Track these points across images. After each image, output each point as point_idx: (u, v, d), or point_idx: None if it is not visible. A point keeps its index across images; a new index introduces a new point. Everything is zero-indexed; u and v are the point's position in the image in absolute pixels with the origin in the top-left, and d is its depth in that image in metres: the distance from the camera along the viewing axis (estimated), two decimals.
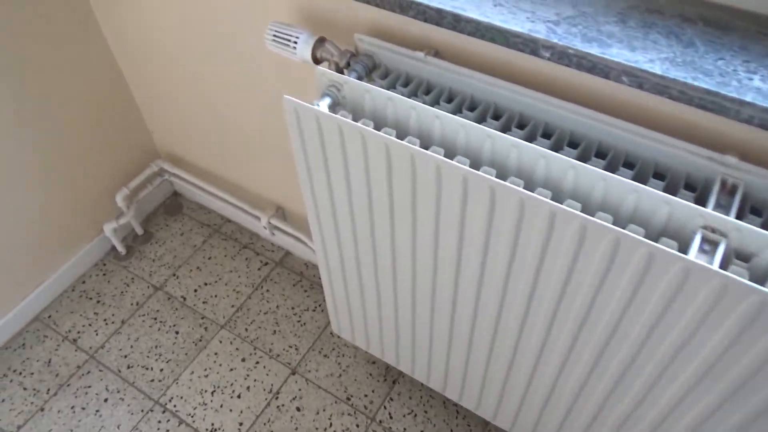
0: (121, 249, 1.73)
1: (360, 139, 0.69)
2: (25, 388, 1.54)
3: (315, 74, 0.79)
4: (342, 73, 0.82)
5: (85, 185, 1.57)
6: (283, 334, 1.60)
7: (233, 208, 1.73)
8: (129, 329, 1.63)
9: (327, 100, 0.79)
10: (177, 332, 1.64)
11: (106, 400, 1.50)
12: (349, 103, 0.78)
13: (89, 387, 1.53)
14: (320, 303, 1.64)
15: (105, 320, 1.65)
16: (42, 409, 1.49)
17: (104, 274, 1.71)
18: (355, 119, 0.78)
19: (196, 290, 1.69)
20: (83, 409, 1.50)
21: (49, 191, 1.47)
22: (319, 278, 1.66)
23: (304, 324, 1.62)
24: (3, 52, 1.20)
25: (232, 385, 1.52)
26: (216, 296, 1.69)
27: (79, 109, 1.43)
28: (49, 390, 1.52)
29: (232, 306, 1.68)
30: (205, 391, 1.51)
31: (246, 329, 1.62)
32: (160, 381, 1.54)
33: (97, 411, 1.48)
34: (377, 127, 0.75)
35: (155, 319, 1.65)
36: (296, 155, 0.81)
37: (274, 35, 0.88)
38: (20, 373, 1.55)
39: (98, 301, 1.67)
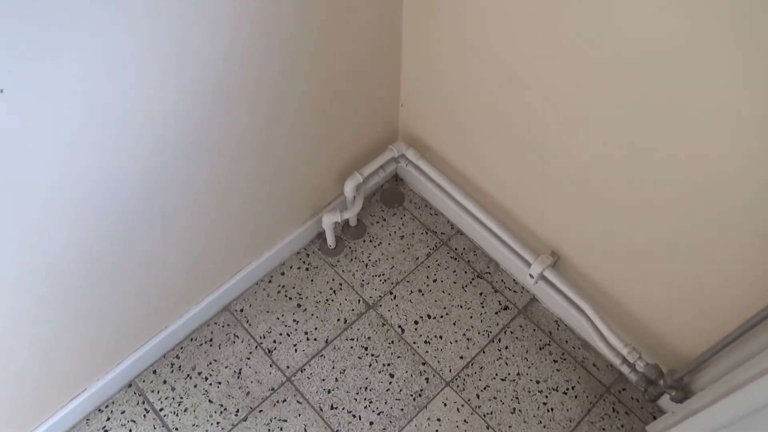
0: (331, 241, 1.51)
1: None
2: (210, 401, 1.37)
3: None
4: None
5: (318, 159, 1.35)
6: (524, 416, 1.37)
7: (479, 226, 1.44)
8: (334, 354, 1.42)
9: None
10: (392, 375, 1.42)
11: None
12: None
13: (285, 422, 1.35)
14: (574, 385, 1.39)
15: (306, 333, 1.44)
16: None
17: (307, 269, 1.50)
18: None
19: (417, 322, 1.46)
20: None
21: (286, 161, 1.27)
22: (577, 347, 1.43)
23: (551, 411, 1.38)
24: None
25: None
26: (441, 338, 1.46)
27: (346, 66, 1.22)
28: (238, 411, 1.36)
29: (461, 357, 1.44)
30: None
31: (477, 395, 1.40)
32: None
33: None
34: None
35: (366, 349, 1.43)
36: None
37: None
38: (206, 379, 1.38)
39: (299, 305, 1.46)
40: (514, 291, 1.52)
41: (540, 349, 1.45)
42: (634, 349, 1.24)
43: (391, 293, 1.49)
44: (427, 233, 1.58)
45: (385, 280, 1.51)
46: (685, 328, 1.13)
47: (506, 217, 1.38)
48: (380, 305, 1.47)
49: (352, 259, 1.55)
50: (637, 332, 1.29)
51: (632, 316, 1.26)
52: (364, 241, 1.58)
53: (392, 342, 1.44)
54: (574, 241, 1.25)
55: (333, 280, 1.52)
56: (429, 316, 1.47)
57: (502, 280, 1.53)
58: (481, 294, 1.50)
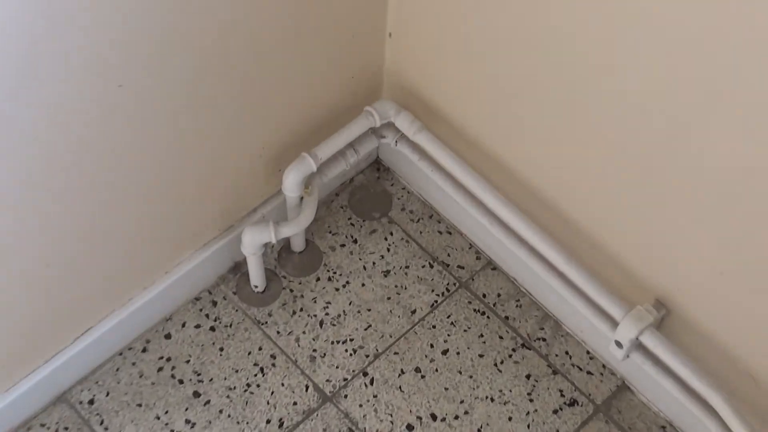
0: (256, 279, 1.33)
1: None
2: None
3: None
4: None
5: (238, 127, 1.26)
6: None
7: (529, 256, 1.29)
8: None
9: None
10: None
11: None
12: None
13: None
14: None
15: None
16: None
17: (212, 329, 1.33)
18: None
19: (411, 428, 1.23)
20: None
21: (178, 127, 1.17)
22: None
23: None
24: None
25: None
26: None
27: None
28: None
29: None
30: None
31: None
32: None
33: None
34: None
35: None
36: None
37: None
38: None
39: (196, 393, 1.27)
40: (589, 372, 1.28)
41: None
42: None
43: (366, 375, 1.26)
44: (432, 266, 1.36)
45: (354, 352, 1.28)
46: None
47: (576, 242, 1.27)
48: (345, 396, 1.25)
49: (294, 312, 1.31)
50: None
51: None
52: (318, 278, 1.34)
53: None
54: (695, 280, 1.17)
55: (260, 349, 1.29)
56: (434, 417, 1.22)
57: (567, 353, 1.29)
58: (529, 377, 1.27)
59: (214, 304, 1.26)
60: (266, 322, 1.24)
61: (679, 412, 1.24)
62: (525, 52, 1.11)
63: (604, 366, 1.21)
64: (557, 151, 1.18)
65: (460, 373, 1.20)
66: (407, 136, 1.24)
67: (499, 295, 1.27)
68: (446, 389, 1.18)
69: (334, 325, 1.23)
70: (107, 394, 1.18)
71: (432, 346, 1.23)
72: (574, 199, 1.17)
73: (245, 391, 1.20)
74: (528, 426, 1.15)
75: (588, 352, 1.23)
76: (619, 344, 1.13)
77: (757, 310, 1.08)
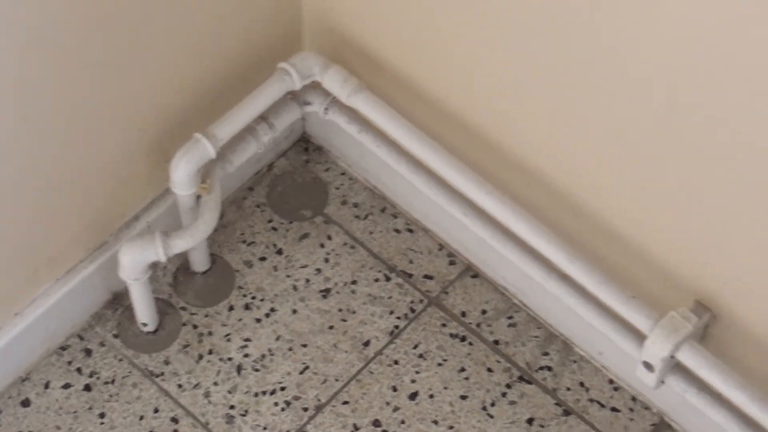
0: (144, 314, 1.25)
1: None
2: None
3: None
4: None
5: (105, 96, 1.15)
6: None
7: (523, 257, 1.20)
8: None
9: None
10: None
11: None
12: None
13: None
14: None
15: None
16: None
17: (87, 389, 1.22)
18: None
19: None
20: None
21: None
22: None
23: None
24: None
25: None
26: None
27: None
28: None
29: None
30: None
31: None
32: None
33: None
34: None
35: None
36: None
37: None
38: None
39: None
40: (614, 409, 1.22)
41: None
42: None
43: None
44: (389, 279, 1.30)
45: (287, 405, 1.20)
46: None
47: (585, 232, 1.20)
48: None
49: (201, 357, 1.25)
50: None
51: None
52: (231, 307, 1.27)
53: None
54: (751, 270, 1.08)
55: (156, 411, 1.21)
56: None
57: (582, 384, 1.24)
58: (532, 422, 1.20)
59: (88, 353, 1.27)
60: (162, 373, 1.26)
61: None
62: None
63: (634, 399, 1.23)
64: (543, 104, 1.11)
65: (436, 423, 1.20)
66: (340, 100, 1.20)
67: (484, 311, 1.29)
68: None
69: (257, 370, 1.25)
70: None
71: (395, 389, 1.23)
72: (574, 173, 1.16)
73: None
74: None
75: (611, 381, 1.25)
76: (648, 366, 1.08)
77: None
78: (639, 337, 1.15)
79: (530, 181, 1.23)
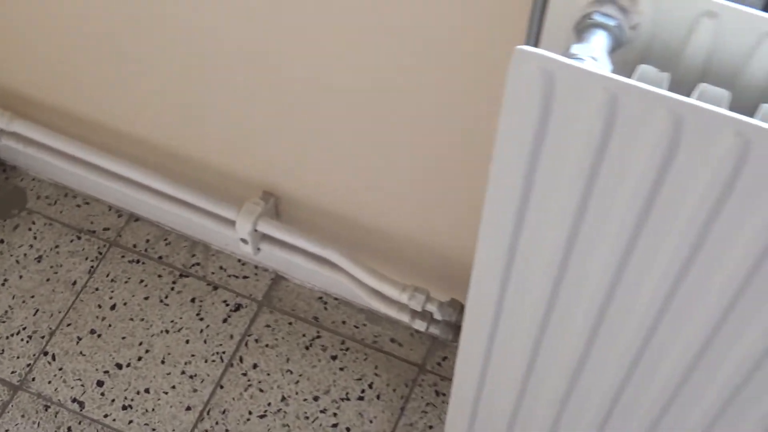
0: None
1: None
2: None
3: None
4: None
5: None
6: None
7: (155, 196, 1.33)
8: None
9: (602, 40, 0.68)
10: None
11: None
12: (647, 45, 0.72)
13: None
14: (371, 381, 1.34)
15: None
16: None
17: None
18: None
19: (101, 383, 1.32)
20: None
21: None
22: (361, 323, 1.42)
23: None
24: None
25: None
26: (148, 391, 1.31)
27: None
28: None
29: (188, 408, 1.30)
30: None
31: None
32: None
33: None
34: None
35: None
36: (511, 145, 0.72)
37: None
38: None
39: None
40: (245, 276, 1.44)
41: (307, 348, 1.36)
42: (416, 289, 1.21)
43: (46, 354, 1.36)
44: (80, 238, 1.48)
45: (30, 338, 1.37)
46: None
47: (188, 168, 1.34)
48: (33, 379, 1.34)
49: None
50: (417, 265, 1.27)
51: (399, 243, 1.25)
52: None
53: (69, 429, 1.29)
54: (292, 164, 1.25)
55: None
56: (119, 366, 1.35)
57: (221, 267, 1.45)
58: (194, 301, 1.41)
59: None
60: None
61: (325, 281, 1.40)
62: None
63: (256, 267, 1.44)
64: (149, 97, 1.25)
65: (132, 320, 1.39)
66: (5, 131, 1.34)
67: (147, 240, 1.46)
68: (123, 338, 1.36)
69: (3, 322, 1.38)
70: None
71: (100, 306, 1.40)
72: (171, 131, 1.30)
73: None
74: (204, 341, 1.34)
75: (240, 260, 1.44)
76: (244, 241, 1.27)
77: (346, 164, 1.17)
78: (234, 224, 1.26)
79: (133, 142, 1.34)
